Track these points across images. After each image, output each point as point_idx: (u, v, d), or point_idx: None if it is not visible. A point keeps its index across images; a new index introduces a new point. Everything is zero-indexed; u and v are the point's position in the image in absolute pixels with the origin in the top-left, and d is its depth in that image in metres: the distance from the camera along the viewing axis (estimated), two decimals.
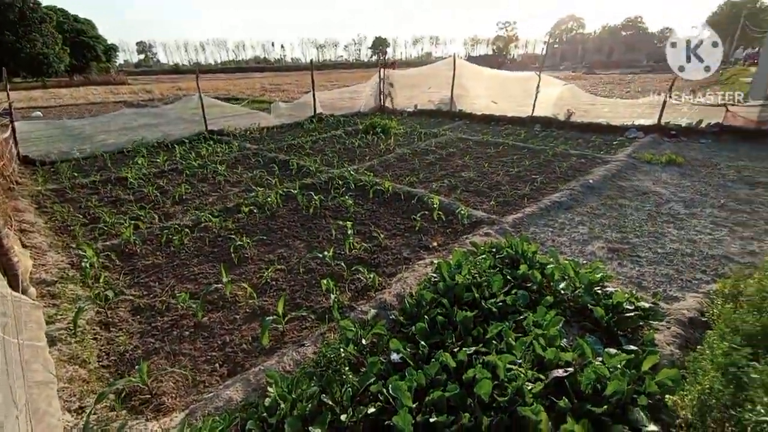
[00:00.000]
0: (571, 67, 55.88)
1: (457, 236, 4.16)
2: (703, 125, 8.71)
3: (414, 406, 1.93)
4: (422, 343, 2.38)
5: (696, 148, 7.73)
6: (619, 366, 2.12)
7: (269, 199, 5.10)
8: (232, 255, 3.85)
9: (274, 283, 3.42)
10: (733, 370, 1.74)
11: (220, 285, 3.21)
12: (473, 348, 2.27)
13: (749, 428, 1.43)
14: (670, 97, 9.06)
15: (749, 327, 2.12)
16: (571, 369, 2.07)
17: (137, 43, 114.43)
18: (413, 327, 2.57)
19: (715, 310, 2.68)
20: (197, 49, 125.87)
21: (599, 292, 2.95)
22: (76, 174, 6.80)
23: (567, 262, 3.24)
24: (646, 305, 2.75)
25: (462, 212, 4.46)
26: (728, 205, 4.79)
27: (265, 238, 4.26)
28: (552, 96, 11.28)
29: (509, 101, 12.99)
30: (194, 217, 4.77)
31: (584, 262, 3.59)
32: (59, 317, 2.85)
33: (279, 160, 7.39)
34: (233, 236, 4.25)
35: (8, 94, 7.18)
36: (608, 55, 65.87)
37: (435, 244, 4.04)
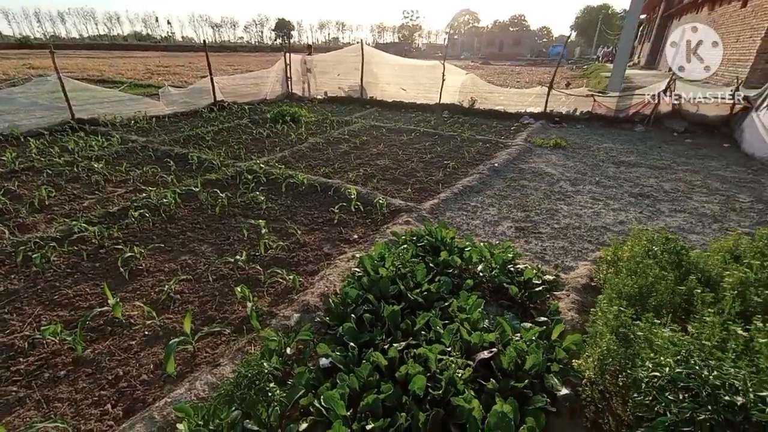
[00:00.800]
0: (469, 57, 60.31)
1: (378, 227, 4.13)
2: (578, 113, 10.11)
3: (349, 414, 1.84)
4: (351, 344, 2.28)
5: (574, 132, 8.94)
6: (534, 339, 2.31)
7: (165, 199, 4.42)
8: (121, 269, 3.24)
9: (178, 296, 2.98)
10: (623, 331, 2.00)
11: (105, 308, 2.67)
12: (404, 342, 2.25)
13: (643, 384, 1.64)
14: (552, 88, 10.29)
15: (629, 289, 2.48)
16: (494, 349, 2.18)
17: None
18: (340, 328, 2.45)
19: (600, 276, 3.11)
20: (54, 19, 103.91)
21: (512, 270, 3.19)
22: None
23: (482, 244, 3.44)
24: (550, 278, 3.06)
25: (380, 202, 4.43)
26: (602, 182, 5.63)
27: (163, 245, 3.68)
28: (456, 84, 11.94)
29: (418, 89, 13.44)
30: (64, 227, 3.90)
31: (497, 242, 3.86)
32: None
33: (175, 153, 6.49)
34: (120, 246, 3.59)
35: None
36: (500, 47, 72.67)
37: (356, 236, 3.95)
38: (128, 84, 15.25)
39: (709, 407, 1.44)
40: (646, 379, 1.67)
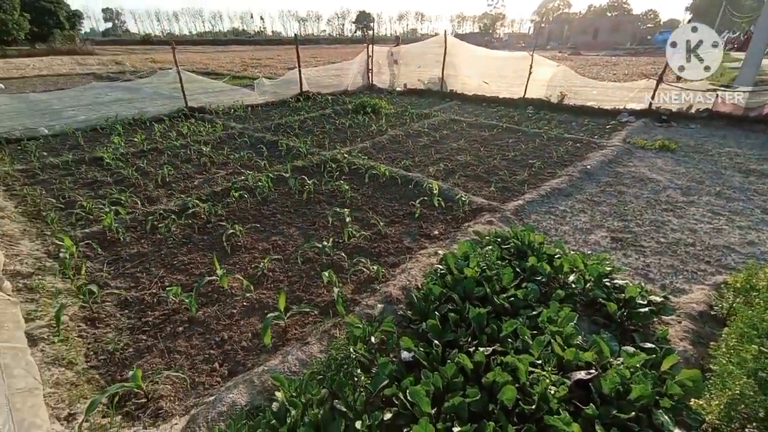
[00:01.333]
0: (557, 47, 55.63)
1: (459, 224, 4.05)
2: (693, 110, 8.77)
3: (432, 412, 1.84)
4: (435, 342, 2.27)
5: (687, 133, 7.78)
6: (638, 366, 2.08)
7: (260, 182, 4.83)
8: (225, 244, 3.62)
9: (270, 274, 3.24)
10: (763, 375, 1.70)
11: (213, 277, 3.01)
12: (490, 348, 2.17)
13: None
14: (662, 81, 9.04)
15: None
16: (593, 371, 2.01)
17: (103, 10, 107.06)
18: (423, 324, 2.46)
19: (725, 305, 2.68)
20: (170, 18, 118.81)
21: (608, 284, 2.91)
22: (45, 153, 6.30)
23: (575, 253, 3.18)
24: (657, 299, 2.72)
25: (462, 199, 4.33)
26: (724, 193, 4.83)
27: (258, 225, 4.03)
28: (545, 77, 11.12)
29: (501, 82, 12.78)
30: (180, 201, 4.48)
31: (589, 252, 3.55)
32: (39, 314, 2.61)
33: (267, 140, 7.04)
34: (224, 223, 4.01)
35: None
36: (594, 35, 65.73)
37: (436, 232, 3.92)
38: (229, 76, 16.88)
39: None
40: None
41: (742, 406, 1.67)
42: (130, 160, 5.98)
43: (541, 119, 9.03)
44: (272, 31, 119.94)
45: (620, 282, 2.91)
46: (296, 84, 11.85)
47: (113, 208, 4.14)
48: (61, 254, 3.16)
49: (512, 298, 2.64)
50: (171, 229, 3.89)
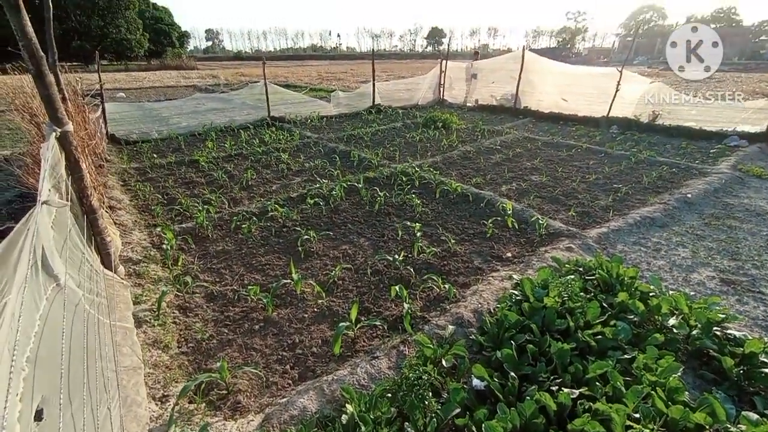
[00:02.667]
0: (646, 63, 50.90)
1: (534, 248, 3.80)
2: None
3: None
4: (512, 374, 2.13)
5: None
6: None
7: (334, 192, 5.03)
8: (299, 248, 3.81)
9: (341, 282, 3.32)
10: None
11: (287, 280, 3.16)
12: (577, 391, 1.97)
13: None
14: None
15: None
16: None
17: (206, 31, 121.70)
18: (498, 352, 2.32)
19: None
20: (259, 37, 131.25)
21: (719, 334, 2.51)
22: (155, 154, 7.23)
23: (676, 293, 2.80)
24: None
25: (538, 221, 4.07)
26: None
27: (330, 233, 4.17)
28: (634, 95, 10.20)
29: (580, 99, 11.99)
30: (260, 205, 4.82)
31: (692, 293, 3.10)
32: (144, 298, 2.95)
33: (339, 150, 7.34)
34: (298, 228, 4.22)
35: (99, 77, 7.77)
36: None
37: (509, 254, 3.72)
38: (307, 89, 18.08)
39: None
40: None
41: None
42: (220, 164, 6.62)
43: (627, 140, 8.26)
44: (347, 47, 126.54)
45: (736, 333, 2.50)
46: (369, 97, 12.28)
47: (205, 206, 4.58)
48: (164, 245, 3.55)
49: (599, 336, 2.39)
50: (251, 230, 4.19)
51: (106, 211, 3.98)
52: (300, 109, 11.52)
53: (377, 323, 2.70)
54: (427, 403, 2.00)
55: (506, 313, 2.58)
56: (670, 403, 1.90)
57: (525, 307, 2.65)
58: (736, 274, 3.39)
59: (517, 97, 12.13)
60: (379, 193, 4.91)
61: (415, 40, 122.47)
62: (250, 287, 3.06)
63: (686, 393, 2.02)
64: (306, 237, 3.90)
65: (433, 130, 9.01)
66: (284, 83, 21.60)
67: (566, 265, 3.24)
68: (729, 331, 2.53)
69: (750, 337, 2.40)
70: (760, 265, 3.52)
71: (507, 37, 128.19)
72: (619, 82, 9.87)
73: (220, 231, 4.25)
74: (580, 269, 3.19)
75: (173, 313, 2.88)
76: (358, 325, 2.68)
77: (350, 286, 3.28)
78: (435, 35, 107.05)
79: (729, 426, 1.83)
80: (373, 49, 12.88)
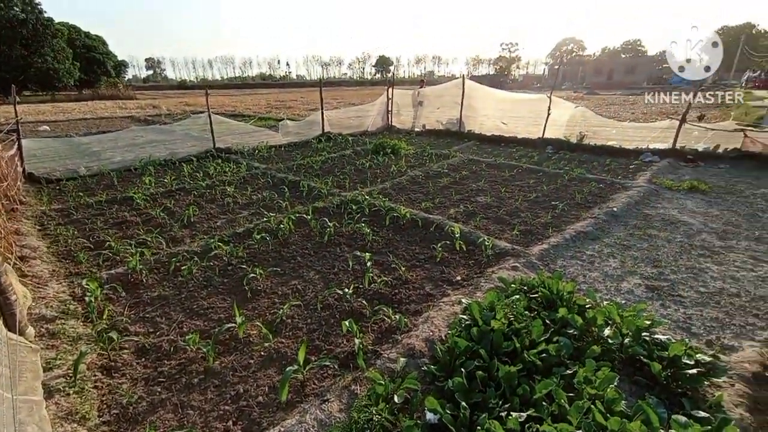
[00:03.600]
0: (572, 88, 56.56)
1: (482, 269, 3.92)
2: (720, 150, 8.56)
3: None
4: (463, 404, 2.11)
5: (716, 174, 7.54)
6: None
7: (282, 224, 4.88)
8: (245, 287, 3.61)
9: (289, 321, 3.17)
10: None
11: (232, 324, 2.96)
12: (524, 414, 2.00)
13: None
14: (685, 121, 8.94)
15: None
16: None
17: (146, 59, 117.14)
18: (449, 381, 2.30)
19: None
20: (204, 66, 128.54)
21: (648, 340, 2.69)
22: (81, 193, 6.63)
23: (609, 304, 2.99)
24: (706, 358, 2.49)
25: (485, 243, 4.23)
26: (764, 238, 4.56)
27: (278, 268, 4.02)
28: (563, 118, 11.21)
29: (518, 122, 12.96)
30: (203, 243, 4.55)
31: (623, 302, 3.34)
32: (58, 362, 2.59)
33: (289, 180, 7.22)
34: (244, 265, 4.03)
35: (16, 111, 7.09)
36: (608, 76, 66.82)
37: (458, 277, 3.80)
38: (255, 118, 17.80)
39: None
40: None
41: None
42: (159, 200, 6.21)
43: (561, 159, 8.99)
44: (297, 75, 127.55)
45: (662, 337, 2.70)
46: (318, 125, 12.35)
47: (139, 249, 4.23)
48: (86, 297, 3.20)
49: (543, 354, 2.47)
50: (192, 271, 3.92)
51: (16, 263, 3.53)
52: (248, 140, 11.28)
53: (328, 363, 2.58)
54: None
55: (456, 340, 2.59)
56: (608, 415, 1.98)
57: (474, 332, 2.68)
58: (658, 280, 3.71)
59: (461, 122, 12.83)
60: (329, 224, 4.85)
61: (364, 68, 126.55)
62: (189, 336, 2.82)
63: (623, 402, 2.12)
64: (252, 275, 3.72)
65: (382, 156, 9.20)
66: (231, 113, 21.15)
67: (512, 285, 3.35)
68: (656, 336, 2.73)
69: (674, 340, 2.61)
70: (677, 270, 3.89)
71: (450, 64, 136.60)
72: (549, 106, 10.82)
73: (156, 275, 3.92)
74: (525, 288, 3.32)
75: (94, 375, 2.56)
76: (308, 367, 2.54)
77: (300, 324, 3.14)
78: (383, 63, 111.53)
79: (661, 431, 1.93)
80: (321, 77, 13.08)
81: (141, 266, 3.85)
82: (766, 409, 2.27)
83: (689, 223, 5.07)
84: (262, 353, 2.82)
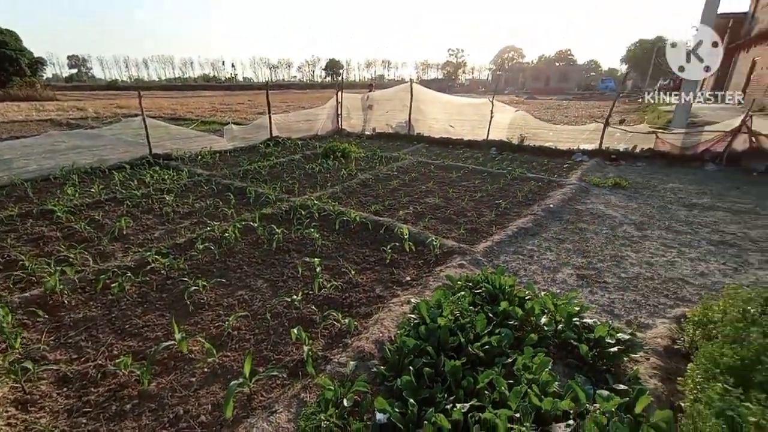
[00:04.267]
0: (514, 92, 60.26)
1: (431, 269, 4.04)
2: (637, 150, 9.57)
3: None
4: (411, 401, 2.16)
5: (635, 171, 8.42)
6: (614, 411, 2.06)
7: (227, 233, 4.67)
8: (187, 301, 3.40)
9: (236, 333, 3.04)
10: (730, 414, 1.72)
11: (171, 342, 2.77)
12: (467, 404, 2.09)
13: None
14: (608, 125, 9.89)
15: (728, 360, 2.16)
16: (571, 421, 1.96)
17: (69, 57, 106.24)
18: (398, 380, 2.35)
19: (686, 339, 2.76)
20: (139, 65, 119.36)
21: (578, 324, 2.94)
22: None
23: (545, 294, 3.22)
24: (625, 336, 2.77)
25: (433, 242, 4.36)
26: (673, 227, 5.17)
27: (223, 279, 3.83)
28: (505, 121, 11.89)
29: (465, 125, 13.52)
30: (138, 256, 4.21)
31: (558, 291, 3.61)
32: None
33: (234, 187, 6.93)
34: (186, 278, 3.79)
35: None
36: (545, 82, 72.22)
37: (408, 278, 3.88)
38: (197, 122, 16.84)
39: None
40: None
41: None
42: (84, 212, 5.65)
43: (504, 160, 9.52)
44: (243, 78, 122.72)
45: (589, 321, 2.95)
46: (266, 129, 11.98)
47: (59, 267, 3.82)
48: None
49: (486, 346, 2.60)
50: (125, 288, 3.61)
51: None
52: (190, 145, 10.64)
53: (276, 373, 2.51)
54: None
55: (404, 339, 2.64)
56: (543, 396, 2.13)
57: (422, 330, 2.75)
58: (587, 269, 4.07)
59: (410, 125, 13.12)
60: (277, 230, 4.72)
61: (314, 71, 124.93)
62: (120, 359, 2.59)
63: (556, 383, 2.30)
64: (195, 287, 3.51)
65: (332, 160, 9.14)
66: (171, 116, 19.83)
67: (458, 282, 3.49)
68: (585, 320, 2.98)
69: (599, 323, 2.87)
70: (603, 259, 4.29)
71: (400, 68, 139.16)
72: (492, 110, 11.43)
73: (80, 295, 3.57)
74: (470, 284, 3.47)
75: (6, 412, 2.27)
76: (254, 379, 2.46)
77: (247, 335, 3.02)
78: (333, 66, 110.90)
79: (588, 406, 2.12)
80: (268, 80, 12.71)
81: (62, 286, 3.48)
82: (675, 378, 2.56)
83: (613, 216, 5.61)
84: (206, 370, 2.67)
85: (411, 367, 2.43)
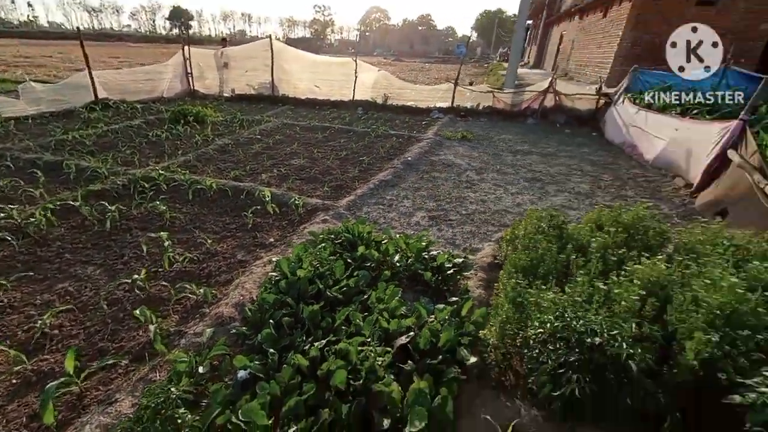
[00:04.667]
0: (382, 54, 61.66)
1: (295, 228, 4.04)
2: (481, 108, 11.03)
3: (270, 422, 1.78)
4: (271, 350, 2.21)
5: (479, 125, 9.74)
6: (447, 318, 2.49)
7: (33, 219, 3.73)
8: None
9: (57, 332, 2.55)
10: (519, 299, 2.27)
11: None
12: (324, 340, 2.24)
13: (531, 341, 1.90)
14: (458, 85, 11.06)
15: (523, 263, 2.80)
16: (411, 333, 2.30)
17: None
18: (259, 335, 2.36)
19: (502, 253, 3.46)
20: None
21: (427, 257, 3.38)
22: None
23: (398, 236, 3.57)
24: (460, 260, 3.31)
25: (296, 202, 4.33)
26: (502, 170, 6.25)
27: (32, 273, 3.11)
28: (370, 81, 12.14)
29: (332, 85, 13.33)
30: None
31: (412, 232, 4.05)
32: None
33: (45, 162, 5.50)
34: None
35: None
36: (410, 45, 75.76)
37: (272, 239, 3.81)
38: None
39: (577, 350, 1.72)
40: (534, 336, 1.92)
41: (508, 325, 2.18)
42: None
43: (369, 119, 9.83)
44: (48, 22, 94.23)
45: (434, 253, 3.43)
46: (88, 89, 9.63)
47: None
48: None
49: (344, 288, 2.79)
50: None
51: None
52: None
53: (111, 361, 2.23)
54: (180, 421, 1.82)
55: (264, 296, 2.63)
56: (391, 320, 2.43)
57: (282, 285, 2.78)
58: (437, 211, 4.65)
59: (273, 86, 12.29)
60: (111, 208, 3.99)
61: (154, 20, 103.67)
62: None
63: (404, 308, 2.64)
64: None
65: (183, 125, 8.00)
66: None
67: (320, 236, 3.58)
68: (432, 253, 3.45)
69: (441, 253, 3.36)
70: (450, 201, 4.95)
71: (263, 24, 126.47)
72: (356, 70, 11.50)
73: None
74: (332, 236, 3.60)
75: None
76: (84, 374, 2.14)
77: (74, 331, 2.57)
78: (179, 16, 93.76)
79: (428, 319, 2.51)
80: (79, 28, 10.07)
81: None
82: (493, 285, 3.21)
83: (459, 164, 6.45)
84: (14, 381, 2.20)
85: (272, 321, 2.46)
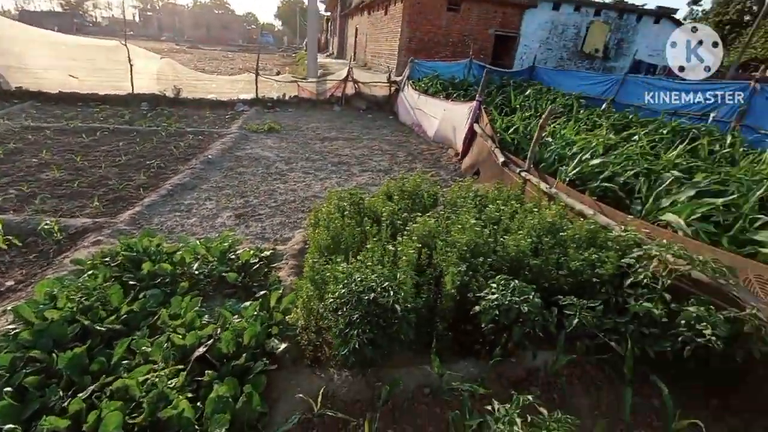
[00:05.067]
0: (173, 39, 53.29)
1: (50, 260, 3.13)
2: (287, 97, 10.98)
3: None
4: (6, 427, 1.66)
5: (287, 116, 9.69)
6: (254, 313, 2.42)
7: None
8: None
9: None
10: (317, 277, 2.40)
11: None
12: (91, 387, 1.84)
13: (326, 311, 2.05)
14: (259, 74, 10.64)
15: (324, 242, 2.98)
16: (210, 341, 2.14)
17: None
18: None
19: (309, 237, 3.60)
20: None
21: (233, 257, 3.19)
22: None
23: (197, 242, 3.23)
24: (268, 253, 3.27)
25: (48, 227, 3.35)
26: (311, 158, 6.44)
27: None
28: (150, 69, 10.33)
29: (101, 75, 10.72)
30: None
31: (216, 235, 3.74)
32: None
33: None
34: None
35: None
36: (207, 31, 67.94)
37: (10, 283, 2.85)
38: None
39: (358, 308, 1.96)
40: (326, 306, 2.09)
41: (311, 303, 2.30)
42: None
43: (158, 115, 8.43)
44: None
45: (240, 251, 3.26)
46: None
47: None
48: None
49: (125, 316, 2.35)
50: None
51: None
52: None
53: None
54: None
55: None
56: (187, 334, 2.20)
57: (24, 337, 2.12)
58: (245, 208, 4.43)
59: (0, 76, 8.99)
60: None
61: None
62: None
63: (206, 317, 2.42)
64: None
65: None
66: None
67: (89, 263, 2.89)
68: (238, 252, 3.27)
69: (245, 250, 3.22)
70: (258, 195, 4.79)
71: None
72: (129, 57, 9.56)
73: None
74: (106, 260, 2.96)
75: None
76: None
77: None
78: None
79: (234, 321, 2.38)
80: None
81: None
82: (301, 271, 3.32)
83: (268, 157, 6.29)
84: None
85: (8, 389, 1.85)
